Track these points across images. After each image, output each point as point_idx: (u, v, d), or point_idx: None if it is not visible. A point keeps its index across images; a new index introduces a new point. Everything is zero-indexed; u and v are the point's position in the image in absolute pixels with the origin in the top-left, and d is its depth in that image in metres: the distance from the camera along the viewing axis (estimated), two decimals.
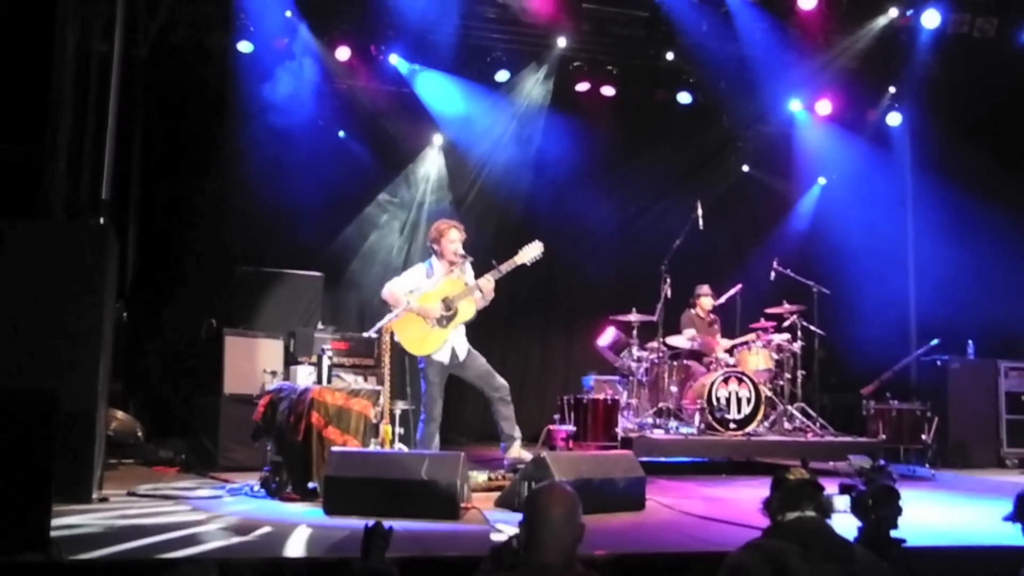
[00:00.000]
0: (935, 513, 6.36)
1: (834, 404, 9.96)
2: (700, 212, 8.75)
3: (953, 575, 4.84)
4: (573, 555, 3.05)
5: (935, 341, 9.52)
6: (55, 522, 4.66)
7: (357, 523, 3.75)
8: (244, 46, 9.59)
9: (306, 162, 9.97)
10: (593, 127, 10.74)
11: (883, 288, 10.52)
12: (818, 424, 8.85)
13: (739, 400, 8.42)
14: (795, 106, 11.25)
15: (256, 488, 6.47)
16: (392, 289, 7.13)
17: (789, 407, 8.88)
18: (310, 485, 6.24)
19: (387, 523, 3.52)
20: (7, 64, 7.16)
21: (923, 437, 8.73)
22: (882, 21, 10.09)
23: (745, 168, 11.81)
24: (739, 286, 9.45)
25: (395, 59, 10.21)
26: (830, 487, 4.02)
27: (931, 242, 10.51)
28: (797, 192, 11.78)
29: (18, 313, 5.68)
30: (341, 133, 10.42)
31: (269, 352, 7.87)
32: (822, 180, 11.77)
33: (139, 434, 8.02)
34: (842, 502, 4.17)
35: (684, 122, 11.24)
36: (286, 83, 9.77)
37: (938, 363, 9.60)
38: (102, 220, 6.97)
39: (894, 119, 11.12)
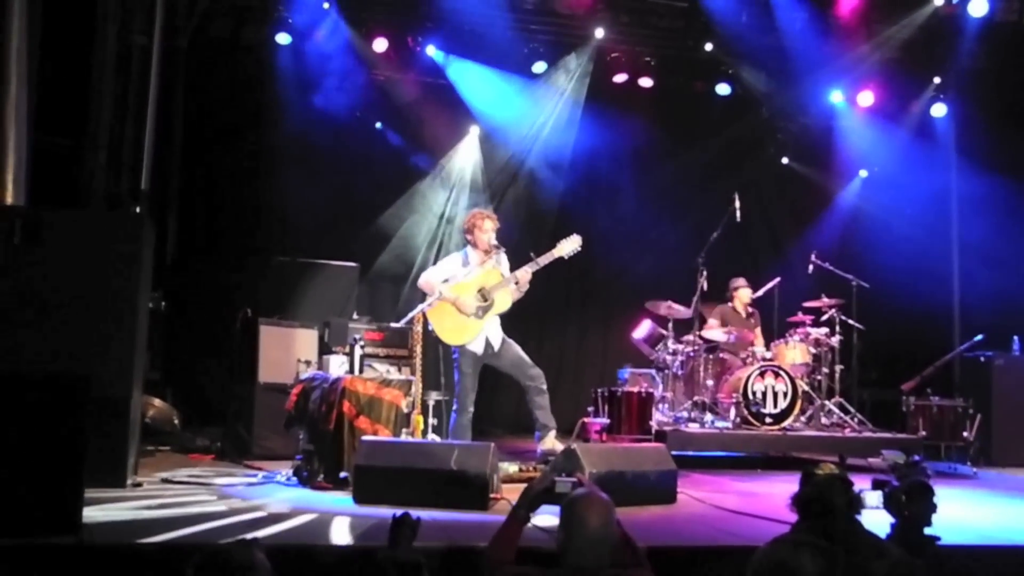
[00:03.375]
0: (975, 512, 6.23)
1: (874, 400, 9.81)
2: (738, 204, 8.68)
3: (990, 574, 4.72)
4: (609, 560, 3.20)
5: (979, 337, 9.30)
6: (87, 506, 4.71)
7: (386, 512, 3.76)
8: (282, 38, 9.64)
9: (343, 153, 10.02)
10: (631, 118, 10.63)
11: (926, 282, 10.29)
12: (856, 420, 8.72)
13: (775, 394, 8.31)
14: (836, 97, 11.04)
15: (288, 476, 6.51)
16: (427, 278, 7.17)
17: (826, 402, 8.76)
18: (341, 474, 6.26)
19: (415, 513, 3.54)
20: (51, 58, 7.25)
21: (964, 434, 8.56)
22: (927, 10, 9.88)
23: (784, 160, 11.64)
24: (777, 279, 9.35)
25: (432, 50, 10.21)
26: (864, 483, 3.95)
27: (976, 236, 10.30)
28: (837, 184, 11.55)
29: (56, 300, 5.75)
30: (378, 124, 10.42)
31: (303, 342, 7.91)
32: (863, 173, 11.55)
33: (176, 422, 8.07)
34: (874, 498, 4.09)
35: (722, 113, 11.12)
36: (324, 75, 9.79)
37: (982, 359, 9.39)
38: (139, 210, 7.06)
39: (939, 110, 10.86)
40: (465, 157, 10.86)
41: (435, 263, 7.58)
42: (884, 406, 9.58)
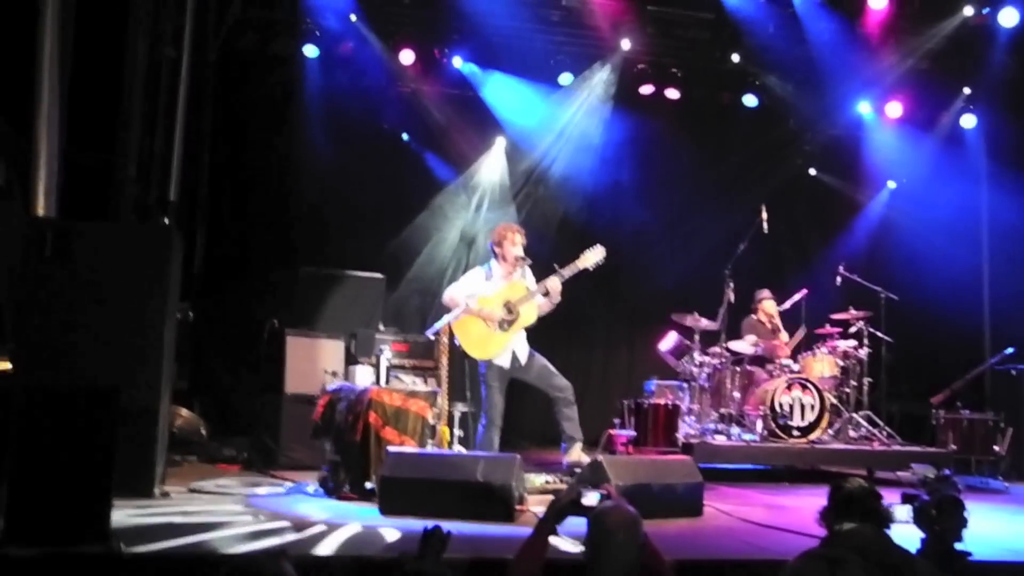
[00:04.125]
0: (1006, 526, 6.15)
1: (903, 413, 9.69)
2: (765, 216, 8.66)
3: None
4: (636, 573, 3.22)
5: (1010, 350, 9.18)
6: (116, 515, 4.74)
7: (412, 523, 3.77)
8: (310, 50, 9.71)
9: (370, 164, 10.08)
10: (657, 129, 10.63)
11: (956, 294, 10.17)
12: (884, 433, 8.64)
13: (803, 407, 8.27)
14: (864, 108, 10.99)
15: (315, 487, 6.53)
16: (451, 293, 7.21)
17: (854, 415, 8.69)
18: (367, 485, 6.26)
19: (446, 527, 3.56)
20: (82, 72, 7.34)
21: (995, 448, 8.44)
22: (956, 20, 9.80)
23: (812, 171, 11.57)
24: (804, 291, 9.30)
25: (459, 62, 10.25)
26: (894, 497, 3.91)
27: (1007, 247, 10.21)
28: (865, 195, 11.47)
29: (86, 311, 5.81)
30: (405, 136, 10.45)
31: (330, 352, 7.94)
32: (891, 184, 11.47)
33: (203, 432, 8.12)
34: (904, 512, 4.05)
35: (749, 124, 11.08)
36: (351, 87, 9.86)
37: (1013, 372, 9.24)
38: (167, 221, 7.11)
39: (968, 121, 10.79)
40: (491, 168, 10.87)
41: (460, 276, 7.53)
42: (913, 419, 9.48)
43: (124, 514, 5.11)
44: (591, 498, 3.54)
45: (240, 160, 9.90)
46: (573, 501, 3.58)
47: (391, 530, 5.24)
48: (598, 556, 3.22)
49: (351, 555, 4.73)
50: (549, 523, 3.60)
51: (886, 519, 3.39)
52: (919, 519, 3.85)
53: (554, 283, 7.05)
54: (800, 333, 9.18)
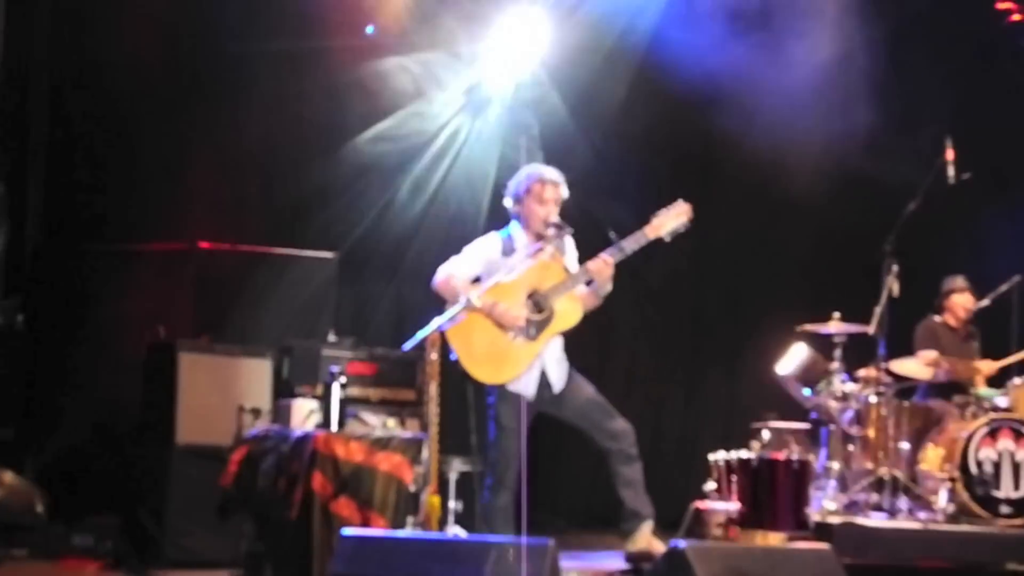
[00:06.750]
0: None
1: None
2: (951, 156, 8.70)
3: None
4: None
5: None
6: None
7: None
8: None
9: (285, 71, 10.07)
10: None
11: None
12: None
13: (1016, 467, 8.36)
14: None
15: None
16: (449, 275, 7.16)
17: None
18: None
19: None
20: None
21: None
22: None
23: None
24: (1017, 277, 9.40)
25: None
26: None
27: None
28: None
29: None
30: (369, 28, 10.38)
31: (249, 378, 8.06)
32: None
33: (39, 509, 8.06)
34: None
35: None
36: None
37: None
38: None
39: None
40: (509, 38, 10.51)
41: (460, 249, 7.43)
42: None
43: None
44: None
45: (89, 93, 9.86)
46: None
47: None
48: None
49: None
50: None
51: None
52: None
53: (601, 265, 7.02)
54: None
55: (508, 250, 7.23)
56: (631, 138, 10.81)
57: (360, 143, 10.24)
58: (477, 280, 7.08)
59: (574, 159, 9.82)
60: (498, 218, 7.77)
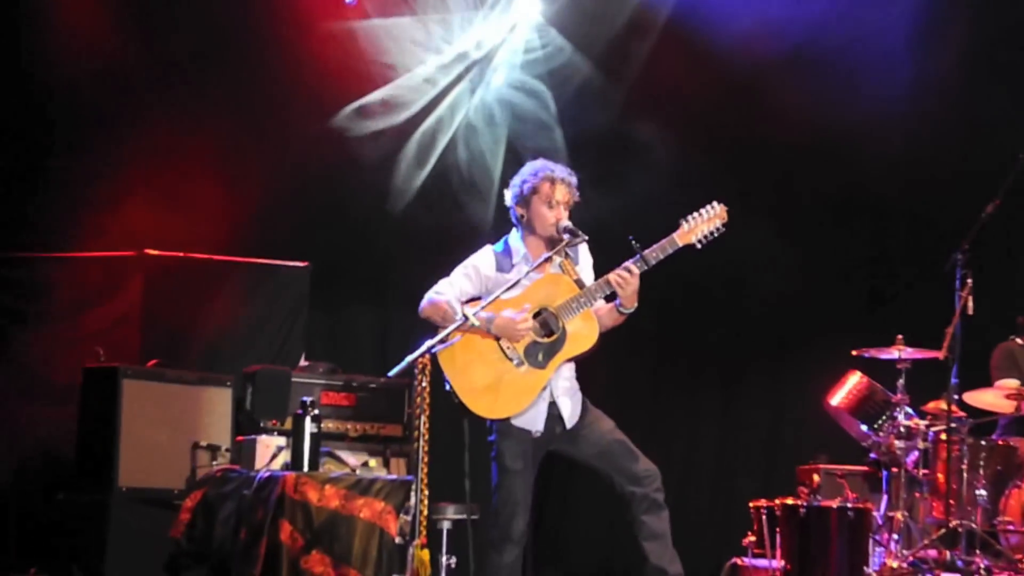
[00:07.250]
0: None
1: None
2: None
3: None
4: None
5: None
6: None
7: None
8: None
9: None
10: None
11: None
12: None
13: None
14: None
15: None
16: (438, 297, 7.02)
17: None
18: None
19: None
20: None
21: None
22: None
23: None
24: None
25: None
26: None
27: None
28: None
29: None
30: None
31: (205, 410, 8.08)
32: None
33: None
34: None
35: None
36: None
37: None
38: None
39: None
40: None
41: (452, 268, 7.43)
42: None
43: None
44: None
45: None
46: None
47: None
48: None
49: None
50: None
51: None
52: None
53: (627, 279, 6.80)
54: None
55: (505, 266, 7.12)
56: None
57: (340, 120, 10.29)
58: (471, 302, 6.96)
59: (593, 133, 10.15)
60: (505, 222, 7.59)
